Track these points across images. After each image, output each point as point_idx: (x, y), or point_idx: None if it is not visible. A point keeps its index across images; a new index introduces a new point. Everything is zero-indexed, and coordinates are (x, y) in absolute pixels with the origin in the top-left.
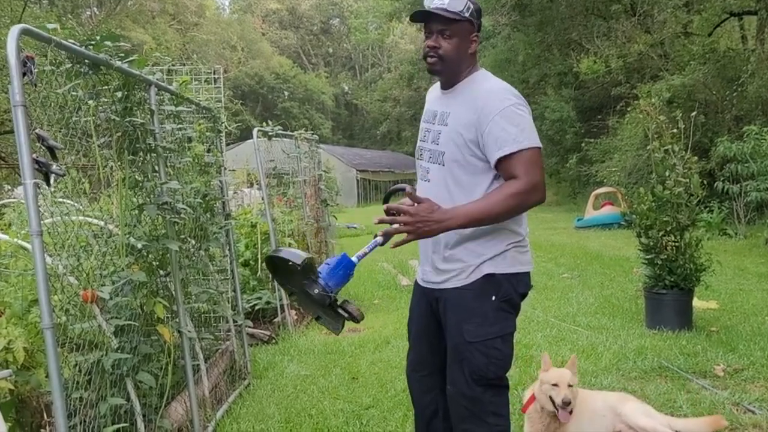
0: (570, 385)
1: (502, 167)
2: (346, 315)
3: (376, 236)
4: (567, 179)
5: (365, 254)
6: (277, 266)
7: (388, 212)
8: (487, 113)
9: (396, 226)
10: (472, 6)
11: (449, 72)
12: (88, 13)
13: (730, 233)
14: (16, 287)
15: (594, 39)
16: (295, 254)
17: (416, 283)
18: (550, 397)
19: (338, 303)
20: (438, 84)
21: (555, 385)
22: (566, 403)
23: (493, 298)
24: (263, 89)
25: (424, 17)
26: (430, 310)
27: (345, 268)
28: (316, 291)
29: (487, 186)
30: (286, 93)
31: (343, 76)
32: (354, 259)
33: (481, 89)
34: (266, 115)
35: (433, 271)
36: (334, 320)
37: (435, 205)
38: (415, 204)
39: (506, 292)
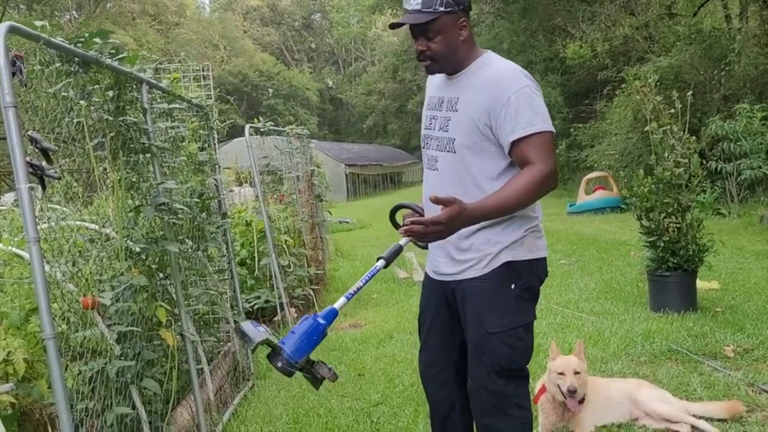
0: (577, 372)
1: (515, 151)
2: (319, 377)
3: (378, 259)
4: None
5: (359, 289)
6: (245, 334)
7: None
8: (502, 95)
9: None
10: None
11: (448, 66)
12: (68, 16)
13: (724, 213)
14: (13, 296)
15: (579, 24)
16: (254, 333)
17: (426, 277)
18: (559, 386)
19: (311, 365)
20: None
21: (561, 373)
22: (571, 391)
23: (513, 286)
24: (247, 87)
25: (402, 25)
26: (446, 304)
27: (310, 336)
28: (279, 365)
29: (501, 172)
30: (270, 90)
31: (327, 71)
32: (344, 298)
33: (492, 71)
34: (251, 113)
35: (449, 262)
36: (311, 381)
37: (461, 205)
38: (445, 209)
39: (526, 280)
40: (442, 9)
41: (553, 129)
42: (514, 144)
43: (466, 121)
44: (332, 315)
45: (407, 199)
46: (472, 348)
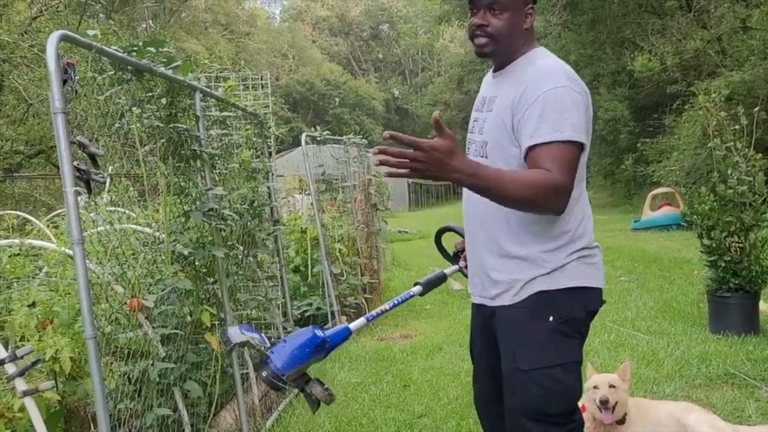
0: (612, 386)
1: (531, 158)
2: (313, 398)
3: (415, 284)
4: (622, 180)
5: (384, 311)
6: (225, 335)
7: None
8: (530, 94)
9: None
10: None
11: (502, 53)
12: (144, 25)
13: None
14: (65, 296)
15: (648, 36)
16: (233, 335)
17: (473, 302)
18: (594, 400)
19: (305, 382)
20: (492, 69)
21: (596, 387)
22: (603, 402)
23: (551, 318)
24: (314, 96)
25: None
26: (489, 329)
27: (303, 348)
28: (264, 374)
29: None
30: (336, 99)
31: (393, 81)
32: (364, 319)
33: (532, 67)
34: (317, 121)
35: (488, 282)
36: (307, 400)
37: (456, 148)
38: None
39: (566, 312)
40: None
41: (582, 140)
42: (531, 149)
43: (496, 121)
44: (343, 334)
45: None
46: (505, 384)
